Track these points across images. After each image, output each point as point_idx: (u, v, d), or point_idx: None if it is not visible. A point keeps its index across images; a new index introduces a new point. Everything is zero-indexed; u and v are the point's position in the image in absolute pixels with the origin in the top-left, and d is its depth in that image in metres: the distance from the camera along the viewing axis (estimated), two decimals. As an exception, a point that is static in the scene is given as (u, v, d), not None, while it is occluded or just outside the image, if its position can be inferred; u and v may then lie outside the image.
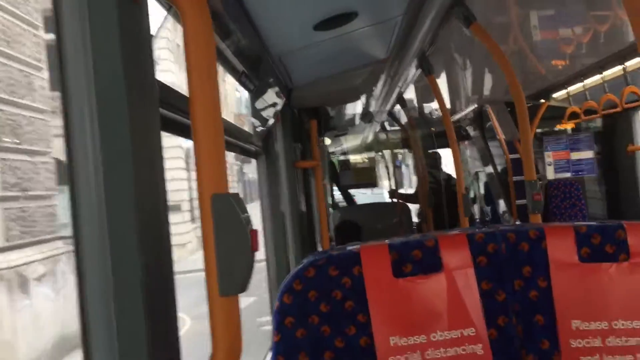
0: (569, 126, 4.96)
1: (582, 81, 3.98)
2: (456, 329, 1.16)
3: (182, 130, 1.39)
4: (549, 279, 1.17)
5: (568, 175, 4.72)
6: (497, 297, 1.17)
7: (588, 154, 4.72)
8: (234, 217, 0.91)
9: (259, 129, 2.80)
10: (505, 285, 1.17)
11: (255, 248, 0.92)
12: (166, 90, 1.27)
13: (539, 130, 5.19)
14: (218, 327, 0.93)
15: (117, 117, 0.87)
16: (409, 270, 1.17)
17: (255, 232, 0.93)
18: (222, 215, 0.91)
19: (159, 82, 1.04)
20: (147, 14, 0.99)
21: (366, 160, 7.45)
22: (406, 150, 8.49)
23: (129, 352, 0.87)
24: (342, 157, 8.09)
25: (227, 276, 0.91)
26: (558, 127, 5.00)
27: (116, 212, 0.86)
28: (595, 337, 1.14)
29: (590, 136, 4.80)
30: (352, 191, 7.82)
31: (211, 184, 0.92)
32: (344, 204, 7.66)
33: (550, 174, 4.79)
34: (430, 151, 6.58)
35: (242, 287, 0.92)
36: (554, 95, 4.61)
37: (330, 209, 6.38)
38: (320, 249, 4.10)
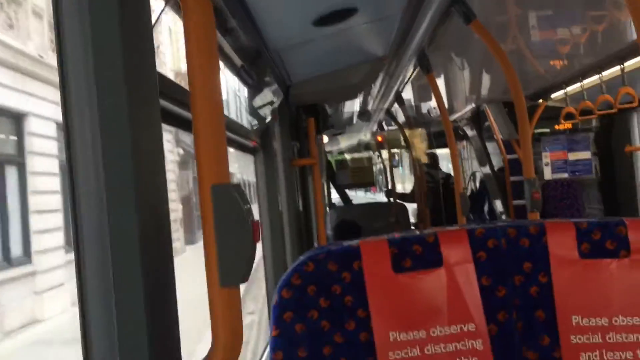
0: (566, 127, 4.97)
1: (580, 81, 3.98)
2: (456, 324, 1.15)
3: (182, 122, 1.38)
4: (550, 275, 1.16)
5: (565, 175, 4.73)
6: (497, 292, 1.16)
7: (585, 155, 4.73)
8: (235, 208, 0.90)
9: (257, 125, 2.79)
10: (506, 280, 1.16)
11: (256, 239, 0.91)
12: (166, 82, 1.26)
13: (536, 131, 5.20)
14: (218, 318, 0.92)
15: (118, 108, 0.86)
16: (408, 266, 1.16)
17: (257, 223, 0.92)
18: (222, 206, 0.90)
19: (159, 73, 1.03)
20: (149, 5, 0.98)
21: (363, 160, 7.45)
22: (403, 150, 8.51)
23: (130, 347, 0.86)
24: (339, 156, 8.09)
25: (228, 267, 0.90)
26: (557, 127, 5.01)
27: (116, 203, 0.85)
28: (596, 333, 1.14)
29: (588, 137, 4.81)
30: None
31: (211, 174, 0.91)
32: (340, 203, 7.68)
33: (548, 174, 4.79)
34: (427, 151, 6.60)
35: (243, 277, 0.91)
36: (553, 95, 4.61)
37: (327, 209, 6.38)
38: (316, 246, 4.08)
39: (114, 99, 0.85)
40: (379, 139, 8.24)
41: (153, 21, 1.03)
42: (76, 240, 0.86)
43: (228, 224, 0.90)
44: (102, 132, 0.85)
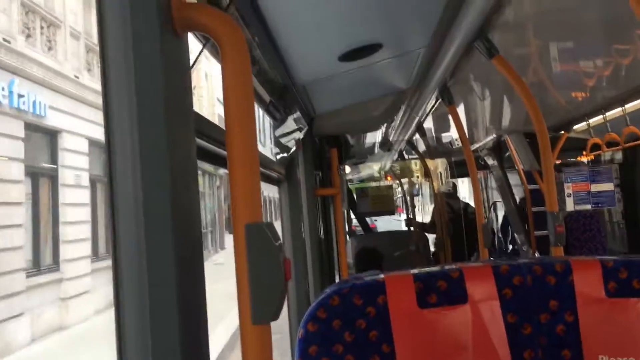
0: (587, 158, 4.94)
1: (603, 113, 3.97)
2: None
3: (215, 160, 1.42)
4: (576, 314, 1.16)
5: (588, 207, 4.69)
6: (523, 330, 1.16)
7: (608, 186, 4.68)
8: (268, 246, 0.92)
9: (282, 156, 2.83)
10: (532, 318, 1.17)
11: (288, 277, 0.93)
12: (201, 121, 1.30)
13: (557, 162, 5.17)
14: (250, 355, 0.94)
15: (158, 145, 0.89)
16: (434, 301, 1.17)
17: (288, 261, 0.94)
18: (255, 244, 0.92)
19: (195, 112, 1.07)
20: (187, 47, 1.02)
21: (384, 188, 7.44)
22: (423, 179, 8.50)
23: (163, 348, 0.88)
24: (359, 185, 8.10)
25: (260, 305, 0.92)
26: (579, 159, 4.98)
27: (154, 237, 0.89)
28: None
29: (611, 168, 4.77)
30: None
31: (245, 213, 0.93)
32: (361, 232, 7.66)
33: (570, 206, 4.75)
34: (446, 180, 6.59)
35: (275, 315, 0.93)
36: (575, 127, 4.60)
37: (347, 237, 6.38)
38: (338, 276, 4.09)
39: (155, 135, 0.89)
40: (389, 178, 8.33)
41: (191, 63, 1.07)
42: (115, 267, 0.90)
43: (260, 262, 0.92)
44: (142, 168, 0.88)
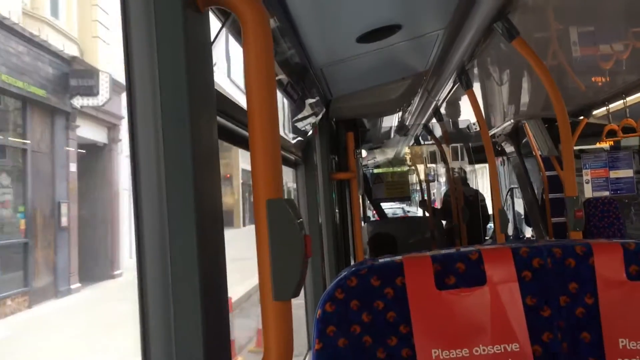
0: (607, 144, 4.89)
1: (623, 98, 3.92)
2: (499, 344, 1.15)
3: (234, 138, 1.42)
4: (596, 296, 1.16)
5: (606, 193, 4.64)
6: (542, 312, 1.16)
7: (628, 173, 4.63)
8: (289, 222, 0.93)
9: (298, 139, 2.83)
10: (551, 301, 1.16)
11: (309, 254, 0.93)
12: (222, 99, 1.30)
13: (576, 148, 5.12)
14: (271, 330, 0.94)
15: (180, 122, 0.90)
16: (452, 283, 1.17)
17: (309, 237, 0.94)
18: (276, 220, 0.93)
19: (216, 91, 1.06)
20: (209, 23, 1.02)
21: (399, 174, 7.42)
22: (438, 165, 8.46)
23: (186, 343, 0.89)
24: (374, 170, 8.08)
25: (281, 281, 0.92)
26: (598, 145, 4.93)
27: (176, 212, 0.89)
28: None
29: (630, 154, 4.72)
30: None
31: (267, 189, 0.94)
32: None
33: (588, 192, 4.71)
34: (457, 167, 6.56)
35: (296, 292, 0.93)
36: (594, 112, 4.55)
37: (362, 222, 6.37)
38: (353, 260, 4.09)
39: (177, 112, 0.89)
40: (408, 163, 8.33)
41: (212, 40, 1.07)
42: (138, 245, 0.90)
43: (281, 238, 0.93)
44: (165, 144, 0.89)
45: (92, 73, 13.96)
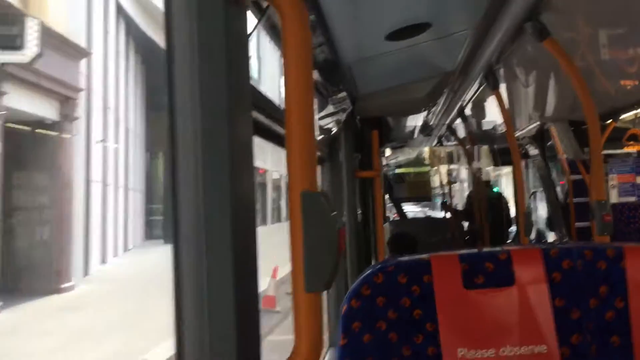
0: (635, 149, 4.82)
1: (653, 103, 3.87)
2: (527, 345, 1.15)
3: (268, 133, 1.43)
4: (627, 300, 1.15)
5: (633, 199, 4.58)
6: (572, 314, 1.15)
7: (656, 178, 4.57)
8: (323, 215, 0.93)
9: (323, 136, 2.84)
10: (580, 303, 1.15)
11: (342, 247, 0.94)
12: (257, 95, 1.31)
13: (603, 152, 5.05)
14: (302, 321, 0.95)
15: (219, 117, 0.91)
16: (480, 282, 1.17)
17: (343, 231, 0.95)
18: (310, 213, 0.93)
19: (251, 85, 1.08)
20: (246, 18, 1.03)
21: (421, 174, 7.39)
22: (460, 166, 8.42)
23: (219, 337, 0.90)
24: (396, 170, 8.06)
25: (314, 273, 0.93)
26: (626, 150, 4.86)
27: (213, 206, 0.90)
28: None
29: (659, 159, 4.65)
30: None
31: (302, 182, 0.94)
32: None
33: (614, 198, 4.65)
34: (479, 169, 6.52)
35: (328, 284, 0.94)
36: (622, 116, 4.49)
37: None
38: (374, 260, 4.09)
39: (216, 106, 0.91)
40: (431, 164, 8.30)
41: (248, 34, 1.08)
42: (175, 238, 0.92)
43: (315, 230, 0.93)
44: (203, 138, 0.90)
45: (13, 18, 10.00)
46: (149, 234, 23.55)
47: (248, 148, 1.01)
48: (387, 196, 7.18)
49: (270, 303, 9.75)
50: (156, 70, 19.64)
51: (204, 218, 0.90)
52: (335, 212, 0.96)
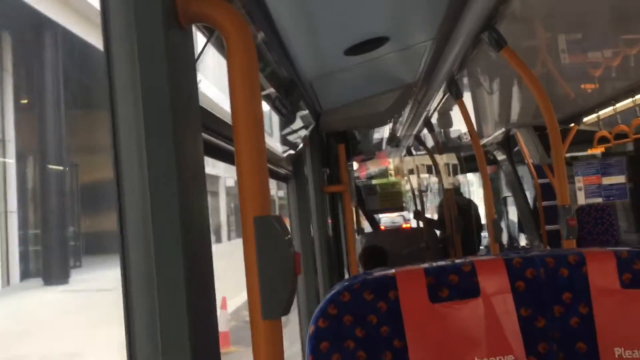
0: (598, 150, 4.91)
1: (613, 105, 3.94)
2: (495, 356, 1.14)
3: (221, 154, 1.41)
4: (591, 306, 1.15)
5: (599, 200, 4.65)
6: (537, 323, 1.15)
7: (620, 179, 4.64)
8: (277, 239, 0.91)
9: (289, 152, 2.82)
10: (545, 311, 1.15)
11: (298, 271, 0.92)
12: (207, 115, 1.29)
13: (567, 155, 5.14)
14: (261, 349, 0.93)
15: (164, 140, 0.88)
16: (445, 295, 1.16)
17: (298, 255, 0.93)
18: (264, 237, 0.91)
19: (201, 107, 1.05)
20: (192, 41, 1.01)
21: (392, 185, 7.42)
22: (431, 175, 8.48)
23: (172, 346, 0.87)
24: (367, 182, 8.08)
25: (270, 299, 0.91)
26: (590, 152, 4.95)
27: (161, 230, 0.87)
28: None
29: (622, 160, 4.73)
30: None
31: (254, 206, 0.92)
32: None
33: (581, 199, 4.72)
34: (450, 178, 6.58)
35: (285, 310, 0.92)
36: (585, 119, 4.57)
37: (356, 234, 6.36)
38: (347, 274, 4.08)
39: (160, 129, 0.88)
40: (397, 175, 8.34)
41: (196, 56, 1.06)
42: (123, 267, 0.89)
43: (270, 255, 0.91)
44: (149, 161, 0.87)
45: None
46: (25, 271, 14.90)
47: (199, 169, 0.98)
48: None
49: (224, 341, 8.07)
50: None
51: (154, 246, 0.87)
52: (289, 236, 0.94)
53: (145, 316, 0.87)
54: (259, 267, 0.91)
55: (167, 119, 0.89)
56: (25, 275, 14.56)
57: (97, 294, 11.97)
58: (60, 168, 15.22)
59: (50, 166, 15.07)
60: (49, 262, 14.33)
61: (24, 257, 14.78)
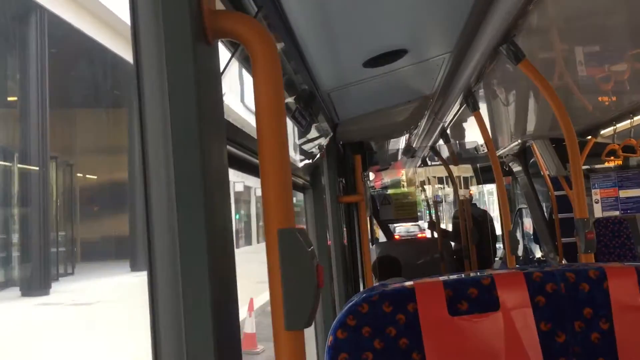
0: (614, 163, 4.87)
1: (631, 118, 3.92)
2: None
3: (245, 167, 1.42)
4: (612, 321, 1.15)
5: (617, 213, 4.61)
6: (557, 338, 1.15)
7: (638, 192, 4.60)
8: (300, 252, 0.92)
9: (306, 163, 2.84)
10: (565, 326, 1.15)
11: (321, 284, 0.93)
12: (232, 128, 1.31)
13: (584, 167, 5.11)
14: None
15: (190, 150, 0.90)
16: (464, 309, 1.16)
17: (321, 267, 0.94)
18: (288, 250, 0.92)
19: (226, 120, 1.07)
20: (218, 55, 1.03)
21: (407, 195, 7.40)
22: (446, 186, 8.46)
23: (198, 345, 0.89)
24: (382, 191, 8.07)
25: (293, 311, 0.91)
26: (607, 164, 4.91)
27: (187, 241, 0.89)
28: None
29: (640, 173, 4.70)
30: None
31: (278, 219, 0.93)
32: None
33: (598, 212, 4.68)
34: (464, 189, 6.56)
35: (308, 322, 0.92)
36: (602, 132, 4.55)
37: (370, 244, 6.35)
38: (362, 284, 4.08)
39: (188, 143, 0.90)
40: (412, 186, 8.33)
41: (221, 70, 1.08)
42: (151, 285, 0.90)
43: (293, 267, 0.92)
44: (176, 174, 0.89)
45: None
46: (8, 279, 13.60)
47: (224, 181, 1.00)
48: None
49: (251, 343, 8.66)
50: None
51: (180, 255, 0.88)
52: (312, 248, 0.95)
53: (171, 320, 0.89)
54: (283, 278, 0.92)
55: (194, 131, 0.90)
56: (5, 284, 13.14)
57: (72, 308, 10.88)
58: (36, 169, 13.73)
59: (28, 166, 13.76)
60: (27, 270, 12.85)
61: (3, 263, 13.43)
